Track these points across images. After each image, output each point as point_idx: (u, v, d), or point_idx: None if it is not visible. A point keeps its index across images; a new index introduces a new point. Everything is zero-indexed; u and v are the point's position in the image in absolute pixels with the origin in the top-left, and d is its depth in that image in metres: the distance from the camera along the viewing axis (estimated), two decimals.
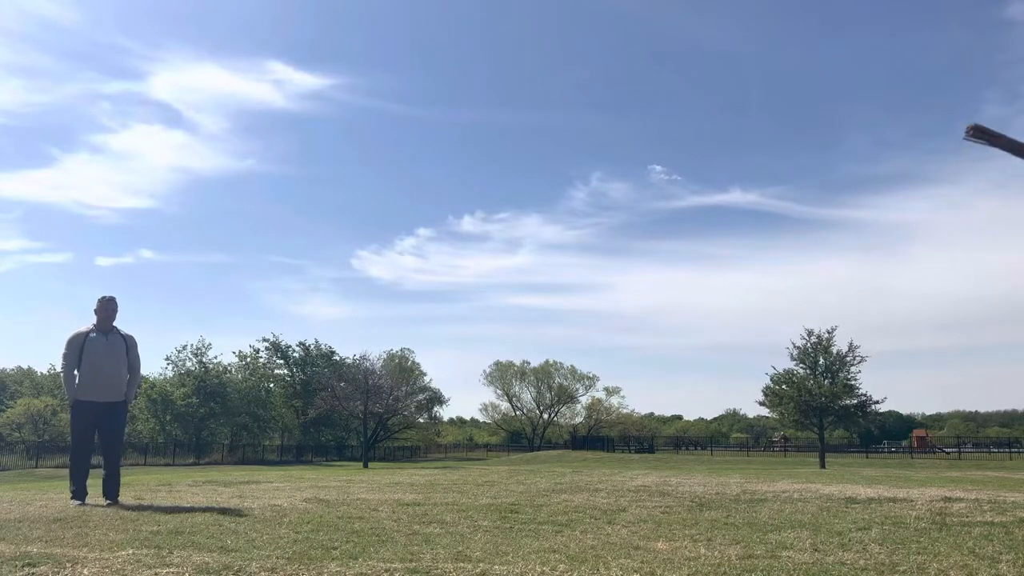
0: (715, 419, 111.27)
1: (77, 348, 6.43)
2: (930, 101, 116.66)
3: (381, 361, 47.72)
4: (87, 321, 6.64)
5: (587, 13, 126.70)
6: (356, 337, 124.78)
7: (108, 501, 6.09)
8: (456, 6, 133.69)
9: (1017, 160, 1.88)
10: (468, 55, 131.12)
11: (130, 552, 3.57)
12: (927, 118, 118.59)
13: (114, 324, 6.65)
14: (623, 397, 75.82)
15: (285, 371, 60.80)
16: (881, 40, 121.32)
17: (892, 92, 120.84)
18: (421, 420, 62.64)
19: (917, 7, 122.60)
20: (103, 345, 6.48)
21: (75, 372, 6.42)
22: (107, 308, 6.61)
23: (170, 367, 52.43)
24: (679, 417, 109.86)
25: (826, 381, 30.94)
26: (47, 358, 70.55)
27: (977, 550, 3.76)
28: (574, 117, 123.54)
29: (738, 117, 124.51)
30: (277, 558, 3.43)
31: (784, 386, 31.83)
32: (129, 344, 6.66)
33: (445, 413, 71.89)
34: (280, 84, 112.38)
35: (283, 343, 59.91)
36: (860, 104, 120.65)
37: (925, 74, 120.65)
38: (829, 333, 31.12)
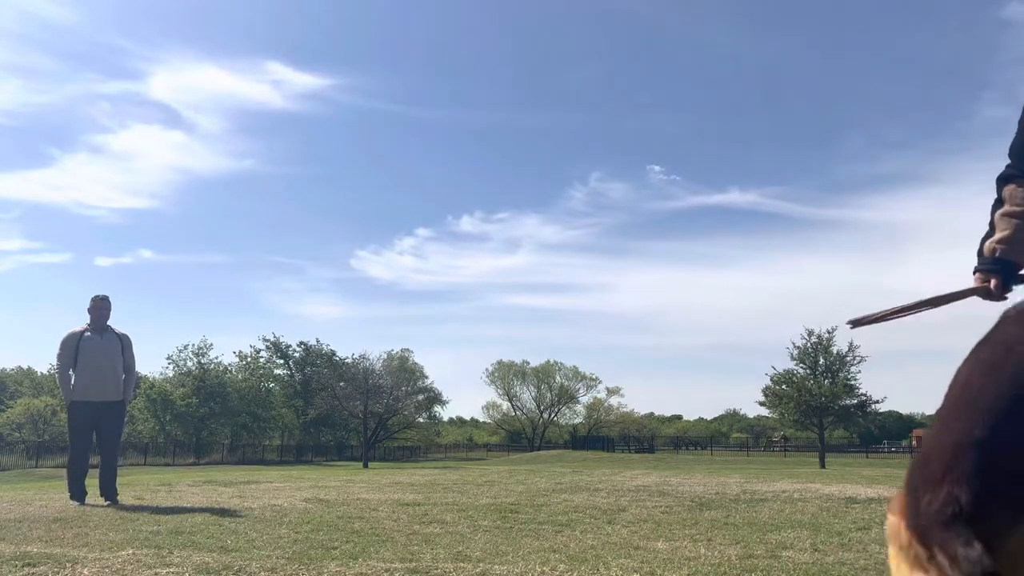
0: (715, 419, 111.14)
1: (72, 348, 6.42)
2: (929, 101, 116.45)
3: (381, 361, 47.75)
4: (85, 321, 6.64)
5: (584, 13, 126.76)
6: (356, 337, 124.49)
7: (107, 501, 6.09)
8: (453, 7, 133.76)
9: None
10: (466, 55, 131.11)
11: (130, 552, 3.57)
12: (926, 118, 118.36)
13: (108, 323, 6.65)
14: (623, 397, 75.92)
15: (285, 371, 60.85)
16: (879, 40, 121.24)
17: (890, 92, 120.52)
18: (421, 420, 62.65)
19: (915, 7, 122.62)
20: (98, 344, 6.47)
21: (70, 372, 6.41)
22: (100, 307, 6.60)
23: (171, 367, 52.53)
24: (679, 417, 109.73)
25: (826, 381, 30.97)
26: (47, 358, 70.63)
27: None
28: (572, 117, 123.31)
29: (736, 117, 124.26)
30: (277, 558, 3.43)
31: (784, 386, 31.87)
32: (124, 343, 6.65)
33: (445, 413, 71.95)
34: (279, 84, 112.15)
35: (283, 343, 59.99)
36: (858, 104, 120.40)
37: (924, 74, 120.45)
38: (829, 333, 31.18)
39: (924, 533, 1.06)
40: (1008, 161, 1.96)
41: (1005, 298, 1.76)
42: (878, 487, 8.31)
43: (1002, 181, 1.96)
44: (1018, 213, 1.83)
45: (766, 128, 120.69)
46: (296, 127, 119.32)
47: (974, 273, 1.88)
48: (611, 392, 72.62)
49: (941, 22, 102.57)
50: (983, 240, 1.93)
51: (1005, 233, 1.87)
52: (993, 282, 1.79)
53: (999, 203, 1.93)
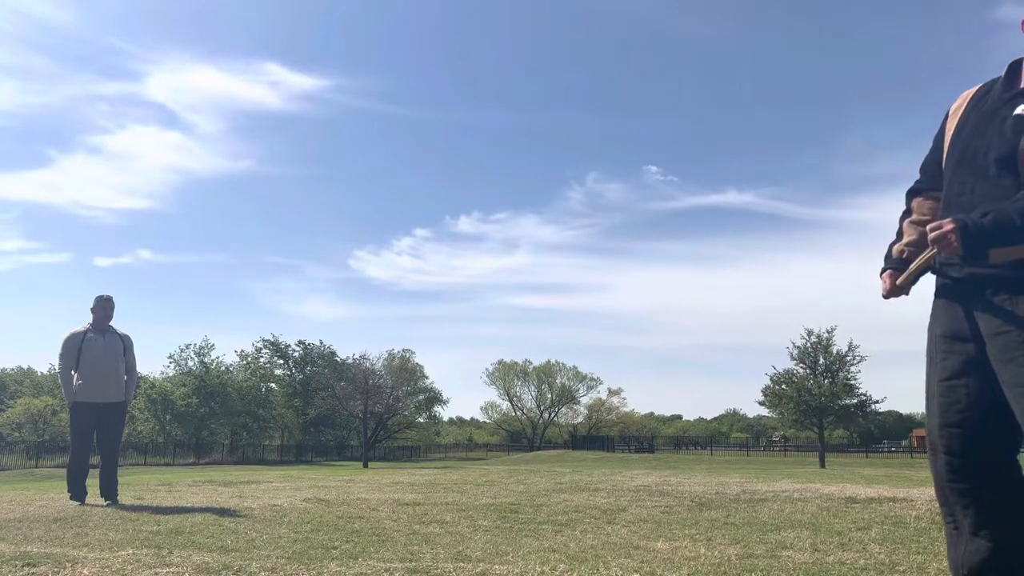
0: (715, 419, 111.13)
1: (75, 348, 6.41)
2: (924, 102, 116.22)
3: (381, 361, 47.77)
4: (85, 321, 6.64)
5: (582, 13, 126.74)
6: (356, 337, 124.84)
7: (107, 501, 6.09)
8: (452, 7, 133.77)
9: None
10: (464, 56, 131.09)
11: (130, 552, 3.57)
12: (921, 119, 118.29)
13: (111, 323, 6.65)
14: (623, 397, 75.90)
15: (285, 371, 60.84)
16: (874, 41, 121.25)
17: (886, 93, 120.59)
18: (421, 420, 62.71)
19: (909, 9, 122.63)
20: (101, 345, 6.46)
21: (72, 373, 6.41)
22: (104, 307, 6.59)
23: (172, 366, 52.55)
24: (679, 417, 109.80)
25: (826, 381, 31.01)
26: (47, 358, 70.66)
27: None
28: (569, 117, 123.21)
29: (733, 118, 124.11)
30: (277, 558, 3.43)
31: (784, 386, 31.91)
32: (126, 344, 6.65)
33: (445, 413, 72.04)
34: (276, 85, 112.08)
35: (283, 343, 59.97)
36: (854, 105, 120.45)
37: (918, 75, 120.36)
38: (829, 333, 31.26)
39: None
40: (919, 176, 2.40)
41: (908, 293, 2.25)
42: (878, 487, 8.32)
43: (911, 194, 2.41)
44: (923, 222, 2.22)
45: (763, 129, 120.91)
46: (293, 128, 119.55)
47: (881, 273, 2.34)
48: (612, 393, 72.79)
49: (935, 24, 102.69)
50: (891, 245, 2.39)
51: (912, 238, 2.32)
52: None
53: (907, 213, 2.39)
